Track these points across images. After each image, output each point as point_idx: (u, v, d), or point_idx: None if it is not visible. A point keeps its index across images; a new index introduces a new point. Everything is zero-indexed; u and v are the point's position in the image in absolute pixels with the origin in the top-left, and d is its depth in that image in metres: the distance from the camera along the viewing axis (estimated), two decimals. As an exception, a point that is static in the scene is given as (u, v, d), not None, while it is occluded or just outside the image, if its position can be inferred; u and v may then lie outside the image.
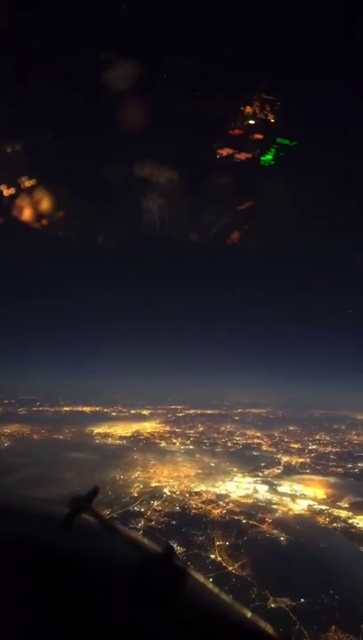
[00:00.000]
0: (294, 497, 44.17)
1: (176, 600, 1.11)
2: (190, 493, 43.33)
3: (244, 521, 36.60)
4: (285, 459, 62.25)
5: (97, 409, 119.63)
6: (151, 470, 51.77)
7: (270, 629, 1.31)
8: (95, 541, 1.48)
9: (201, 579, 1.52)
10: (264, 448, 70.16)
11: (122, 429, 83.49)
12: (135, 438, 74.41)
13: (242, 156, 55.51)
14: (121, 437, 74.12)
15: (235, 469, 53.94)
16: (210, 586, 1.53)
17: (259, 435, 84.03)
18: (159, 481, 47.25)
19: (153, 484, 46.09)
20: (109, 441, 70.47)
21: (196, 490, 44.69)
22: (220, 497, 42.82)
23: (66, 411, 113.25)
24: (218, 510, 38.93)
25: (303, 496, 44.64)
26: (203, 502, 41.00)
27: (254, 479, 50.12)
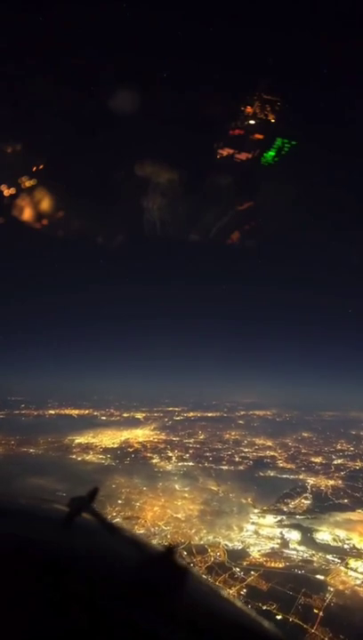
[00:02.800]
0: (342, 553, 29.05)
1: (177, 600, 1.09)
2: (191, 551, 28.25)
3: (279, 617, 21.52)
4: (310, 481, 47.13)
5: (86, 412, 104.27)
6: (137, 505, 36.61)
7: (273, 630, 1.28)
8: (95, 541, 1.42)
9: (203, 579, 1.47)
10: (281, 464, 54.98)
11: (109, 438, 68.27)
12: (123, 451, 59.16)
13: (242, 155, 53.31)
14: (105, 450, 58.82)
15: (250, 501, 38.78)
16: (212, 586, 1.48)
17: (270, 444, 68.91)
18: (147, 526, 32.16)
19: (137, 532, 31.01)
20: (90, 456, 55.20)
21: (199, 542, 29.63)
22: (235, 556, 27.75)
23: (50, 414, 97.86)
24: (235, 588, 23.86)
25: (355, 551, 29.50)
26: (209, 569, 25.94)
27: (278, 518, 34.97)
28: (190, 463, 53.05)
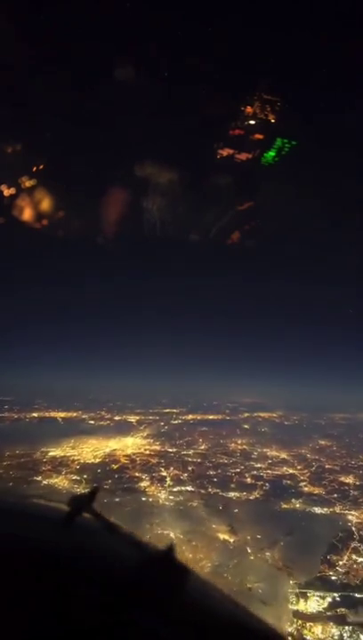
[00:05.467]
0: None
1: (177, 600, 1.06)
2: None
3: None
4: (352, 517, 33.34)
5: (74, 414, 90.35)
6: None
7: (274, 629, 1.27)
8: (95, 541, 1.39)
9: (203, 579, 1.44)
10: (305, 488, 41.33)
11: (92, 450, 54.55)
12: (104, 469, 45.43)
13: (242, 155, 51.48)
14: (82, 468, 45.01)
15: (277, 560, 25.15)
16: (212, 586, 1.45)
17: (285, 457, 55.38)
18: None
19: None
20: (60, 478, 41.30)
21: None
22: None
23: (32, 418, 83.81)
24: None
25: None
26: None
27: (328, 600, 21.35)
28: (189, 488, 39.35)
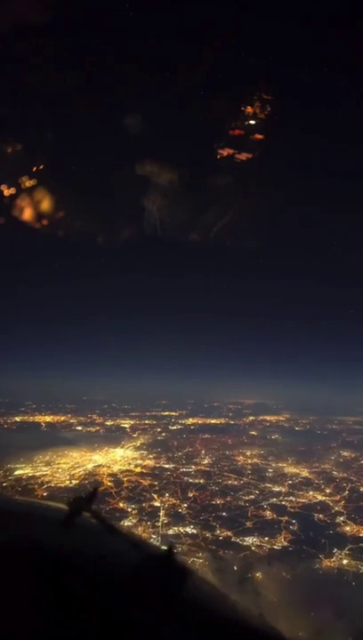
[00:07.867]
0: None
1: (177, 600, 1.04)
2: None
3: None
4: None
5: (62, 418, 78.83)
6: None
7: (275, 630, 1.24)
8: (95, 541, 1.37)
9: (203, 579, 1.39)
10: (346, 527, 29.59)
11: (70, 466, 42.98)
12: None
13: (242, 156, 49.79)
14: (51, 495, 33.25)
15: None
16: (212, 586, 1.42)
17: (307, 474, 43.88)
18: None
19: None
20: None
21: None
22: None
23: (13, 423, 72.28)
24: None
25: None
26: None
27: None
28: (190, 529, 27.81)
